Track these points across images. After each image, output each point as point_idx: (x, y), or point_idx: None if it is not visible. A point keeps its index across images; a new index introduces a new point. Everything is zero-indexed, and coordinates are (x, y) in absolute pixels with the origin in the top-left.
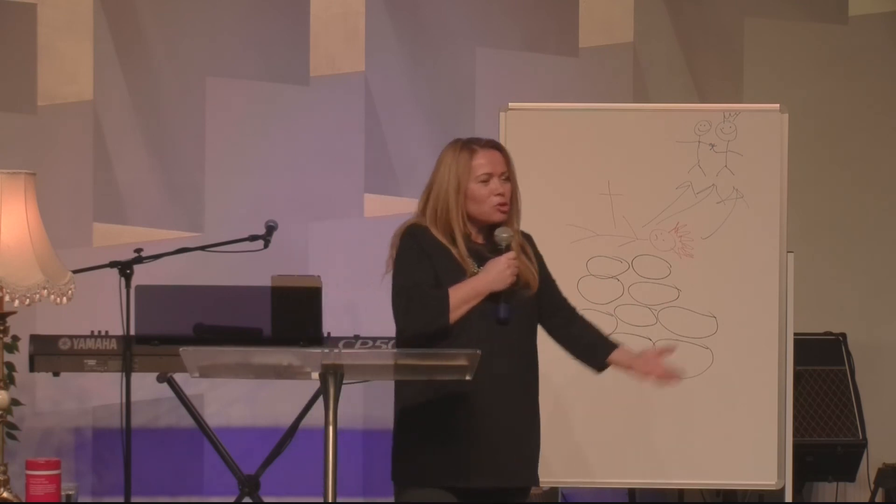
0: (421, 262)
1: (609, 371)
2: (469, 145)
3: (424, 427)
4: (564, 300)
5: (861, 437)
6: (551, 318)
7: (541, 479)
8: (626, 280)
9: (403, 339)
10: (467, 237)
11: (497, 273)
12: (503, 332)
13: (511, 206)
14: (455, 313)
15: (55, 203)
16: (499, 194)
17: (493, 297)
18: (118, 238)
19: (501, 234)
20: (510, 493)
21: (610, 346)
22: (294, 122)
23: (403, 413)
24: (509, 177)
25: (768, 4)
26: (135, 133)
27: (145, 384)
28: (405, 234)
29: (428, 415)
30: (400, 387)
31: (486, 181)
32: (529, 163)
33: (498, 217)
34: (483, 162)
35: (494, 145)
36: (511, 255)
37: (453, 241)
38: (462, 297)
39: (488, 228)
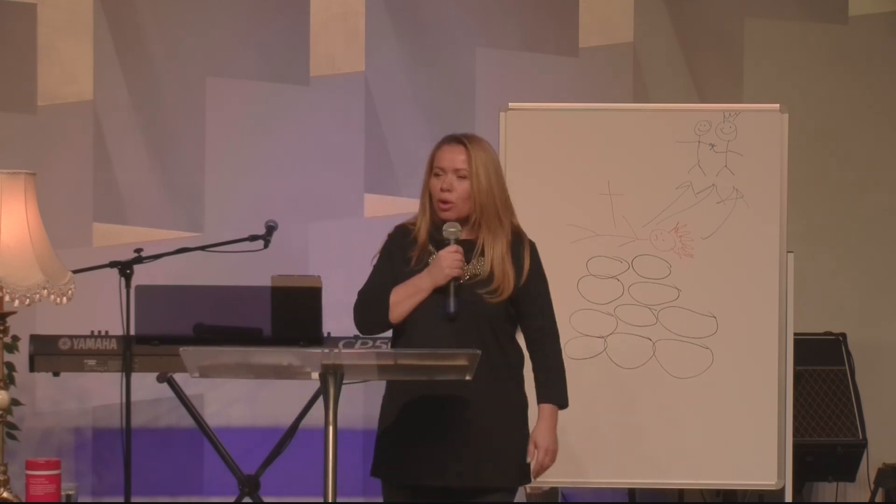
0: (382, 264)
1: (609, 371)
2: (444, 139)
3: (382, 424)
4: (538, 318)
5: (861, 437)
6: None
7: (540, 479)
8: (626, 280)
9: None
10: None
11: (436, 268)
12: (454, 328)
13: (457, 204)
14: (396, 310)
15: (55, 203)
16: (443, 190)
17: (443, 292)
18: (118, 238)
19: (449, 229)
20: (462, 493)
21: (544, 396)
22: (294, 122)
23: (381, 409)
24: (468, 174)
25: (768, 4)
26: (135, 133)
27: (145, 384)
28: (388, 236)
29: (386, 412)
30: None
31: (438, 175)
32: (529, 163)
33: (440, 214)
34: (439, 156)
35: (459, 140)
36: (450, 248)
37: (426, 234)
38: (403, 293)
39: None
